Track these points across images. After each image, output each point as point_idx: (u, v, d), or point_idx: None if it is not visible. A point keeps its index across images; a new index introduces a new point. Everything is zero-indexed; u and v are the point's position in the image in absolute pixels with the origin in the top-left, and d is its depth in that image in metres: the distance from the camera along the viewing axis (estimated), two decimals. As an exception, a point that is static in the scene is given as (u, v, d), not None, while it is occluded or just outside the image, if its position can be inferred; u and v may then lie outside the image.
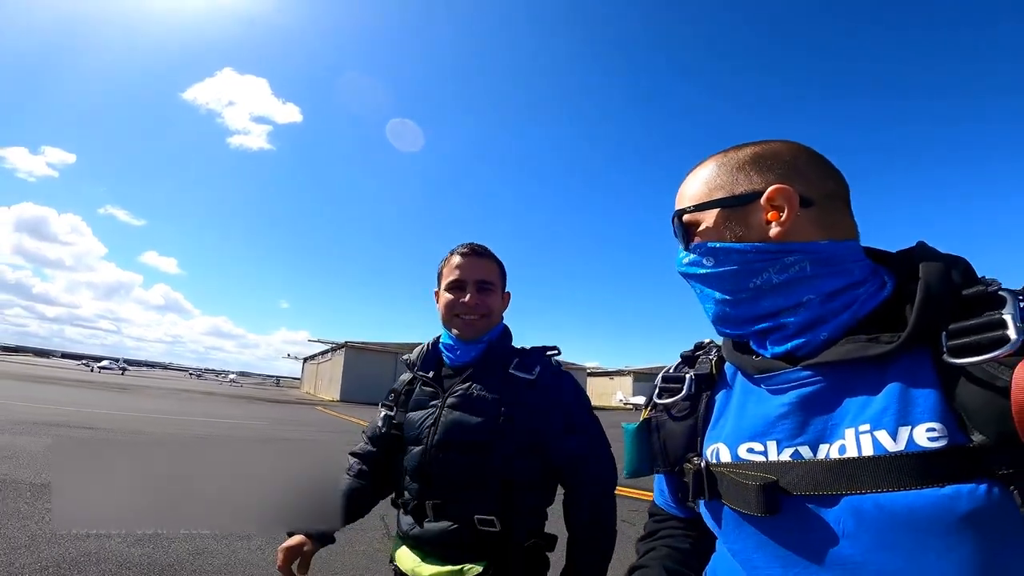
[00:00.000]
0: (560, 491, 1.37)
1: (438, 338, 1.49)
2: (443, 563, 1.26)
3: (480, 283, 1.39)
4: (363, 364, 42.88)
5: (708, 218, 0.70)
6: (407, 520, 1.34)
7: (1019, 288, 0.58)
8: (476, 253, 1.42)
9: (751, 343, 0.73)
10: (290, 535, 1.31)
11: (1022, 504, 0.49)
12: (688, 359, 0.86)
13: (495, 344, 1.41)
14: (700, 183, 0.72)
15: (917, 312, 0.58)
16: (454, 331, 1.41)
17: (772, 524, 0.62)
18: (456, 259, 1.42)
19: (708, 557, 0.78)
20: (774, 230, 0.65)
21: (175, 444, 9.63)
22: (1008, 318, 0.52)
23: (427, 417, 1.36)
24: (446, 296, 1.41)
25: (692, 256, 0.72)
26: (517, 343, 1.54)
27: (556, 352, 1.46)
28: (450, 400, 1.34)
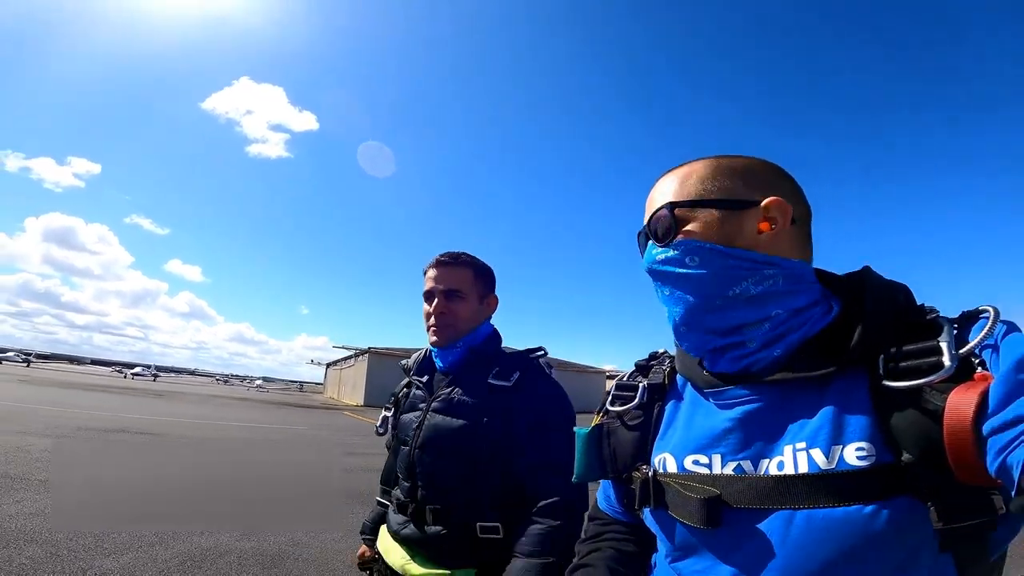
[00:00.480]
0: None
1: None
2: (434, 565, 1.28)
3: (447, 292, 1.41)
4: (386, 369, 43.53)
5: (700, 216, 0.68)
6: (398, 518, 1.37)
7: (956, 316, 0.60)
8: (443, 263, 1.44)
9: (704, 360, 0.73)
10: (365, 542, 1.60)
11: (936, 520, 0.51)
12: (642, 368, 0.86)
13: (477, 349, 1.42)
14: (693, 181, 0.70)
15: (858, 337, 0.59)
16: (429, 340, 1.45)
17: (713, 535, 0.63)
18: (428, 271, 1.46)
19: (649, 562, 0.80)
20: (765, 240, 0.66)
21: (263, 447, 10.76)
22: (943, 345, 0.54)
23: (414, 419, 1.41)
24: (424, 306, 1.45)
25: (672, 253, 0.69)
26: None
27: (541, 354, 1.45)
28: (435, 404, 1.38)
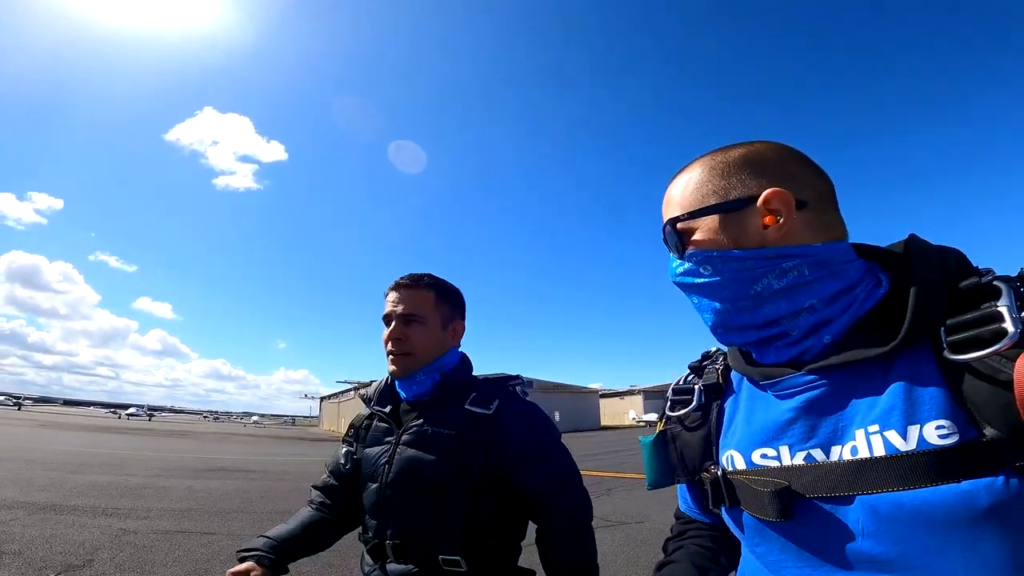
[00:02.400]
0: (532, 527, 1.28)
1: None
2: None
3: (404, 317, 1.29)
4: None
5: (702, 225, 0.67)
6: (367, 560, 1.27)
7: (1015, 276, 0.55)
8: (403, 286, 1.33)
9: (752, 352, 0.72)
10: (241, 560, 1.21)
11: None
12: (696, 369, 0.85)
13: (450, 376, 1.31)
14: (691, 189, 0.69)
15: (912, 310, 0.57)
16: (388, 368, 1.32)
17: (791, 527, 0.61)
18: (387, 295, 1.34)
19: (735, 556, 0.79)
20: (773, 235, 0.64)
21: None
22: (1004, 310, 0.51)
23: (382, 454, 1.28)
24: (384, 332, 1.32)
25: (688, 265, 0.69)
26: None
27: (518, 381, 1.38)
28: (405, 437, 1.26)
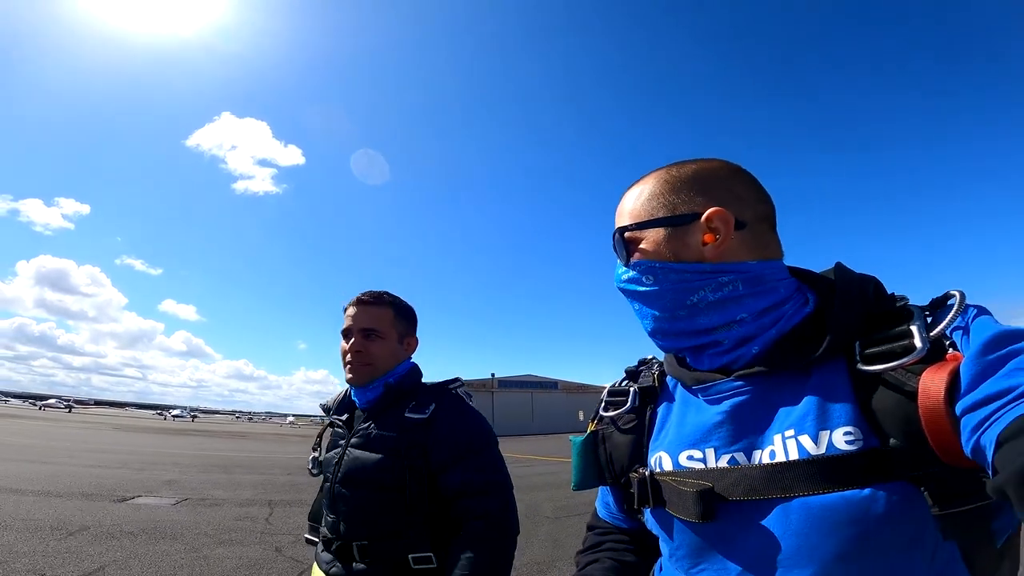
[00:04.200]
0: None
1: None
2: None
3: (364, 331, 1.38)
4: None
5: (649, 236, 0.70)
6: (325, 556, 1.33)
7: (926, 304, 0.61)
8: (363, 302, 1.43)
9: (687, 358, 0.74)
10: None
11: (932, 504, 0.50)
12: (632, 374, 0.86)
13: (393, 386, 1.39)
14: (642, 200, 0.72)
15: (833, 325, 0.61)
16: (346, 377, 1.41)
17: (712, 529, 0.63)
18: (347, 309, 1.44)
19: (649, 570, 0.80)
20: (710, 251, 0.67)
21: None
22: (914, 329, 0.55)
23: (334, 456, 1.38)
24: (341, 344, 1.42)
25: (632, 273, 0.72)
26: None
27: (458, 384, 1.44)
28: (353, 440, 1.35)
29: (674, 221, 0.69)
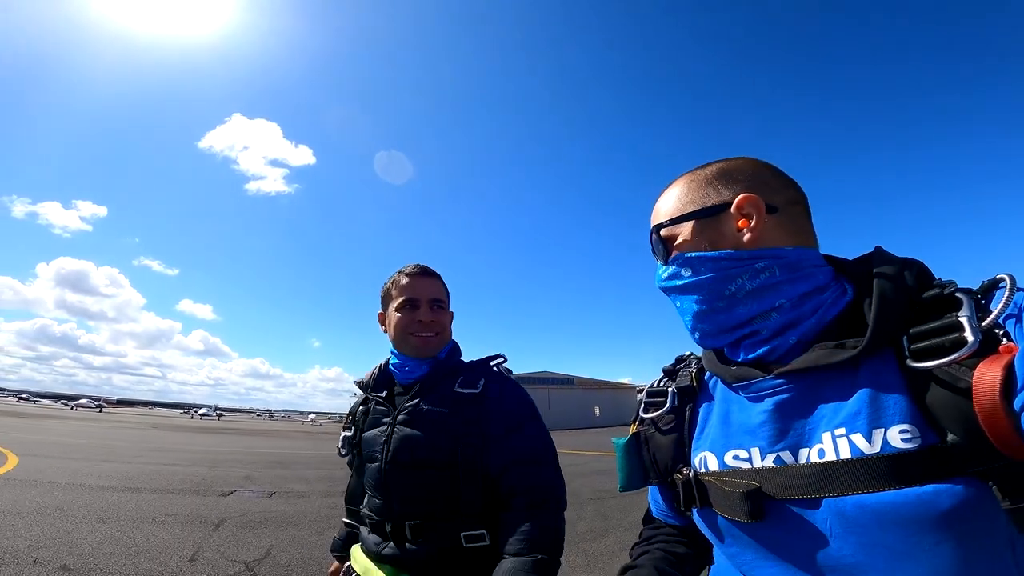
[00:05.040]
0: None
1: (388, 359, 1.46)
2: None
3: (433, 301, 1.38)
4: None
5: (683, 231, 0.71)
6: (375, 538, 1.29)
7: (976, 288, 0.57)
8: (426, 273, 1.41)
9: (725, 351, 0.73)
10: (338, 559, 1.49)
11: (1003, 499, 0.48)
12: (670, 373, 0.86)
13: (442, 361, 1.38)
14: (673, 200, 0.73)
15: (874, 318, 0.58)
16: (409, 350, 1.37)
17: (761, 529, 0.62)
18: (406, 279, 1.39)
19: (702, 563, 0.80)
20: (746, 236, 0.66)
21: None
22: (964, 320, 0.53)
23: (380, 435, 1.33)
24: (397, 316, 1.36)
25: (671, 269, 0.72)
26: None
27: (502, 360, 1.43)
28: (400, 417, 1.31)
29: (706, 212, 0.70)
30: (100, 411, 78.61)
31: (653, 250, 0.76)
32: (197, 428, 36.18)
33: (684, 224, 0.71)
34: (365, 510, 1.35)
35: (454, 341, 1.46)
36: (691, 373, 0.82)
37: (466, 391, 1.30)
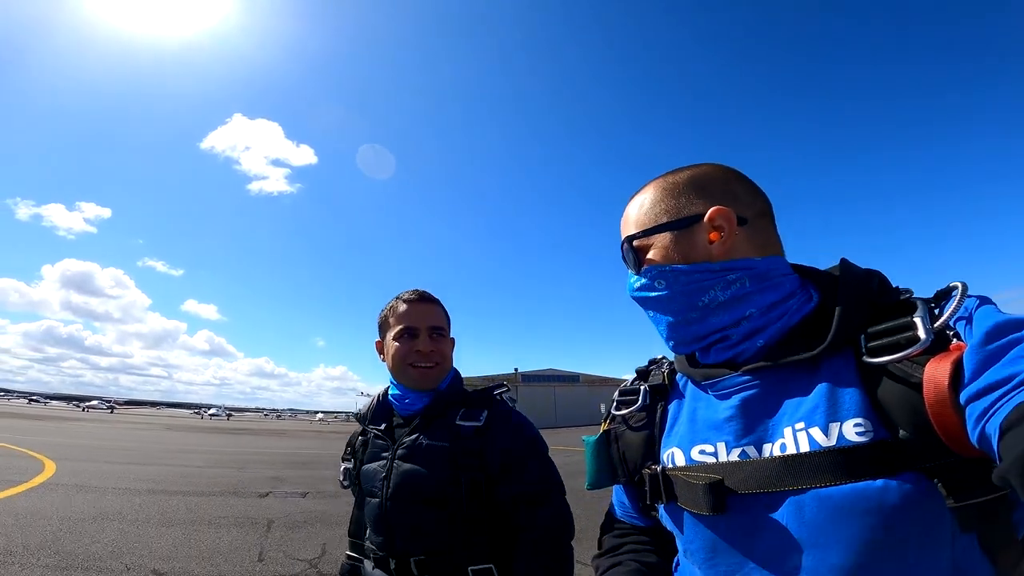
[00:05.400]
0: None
1: (387, 389, 1.41)
2: None
3: (432, 329, 1.33)
4: None
5: (656, 242, 0.71)
6: (378, 573, 1.27)
7: (929, 296, 0.61)
8: (425, 299, 1.36)
9: (696, 354, 0.76)
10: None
11: (947, 495, 0.50)
12: (643, 373, 0.87)
13: (443, 392, 1.33)
14: (646, 208, 0.73)
15: (838, 318, 0.61)
16: (408, 381, 1.33)
17: (724, 522, 0.63)
18: (404, 307, 1.35)
19: (669, 569, 0.79)
20: (717, 249, 0.68)
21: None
22: (918, 320, 0.56)
23: (380, 469, 1.29)
24: (396, 345, 1.32)
25: (643, 280, 0.73)
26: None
27: (505, 390, 1.39)
28: (400, 451, 1.27)
29: (679, 224, 0.70)
30: (111, 412, 79.03)
31: (624, 259, 0.77)
32: (209, 428, 36.71)
33: (656, 235, 0.72)
34: (368, 544, 1.32)
35: (455, 370, 1.42)
36: (663, 373, 0.85)
37: (468, 424, 1.26)
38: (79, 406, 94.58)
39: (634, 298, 0.77)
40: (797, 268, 0.73)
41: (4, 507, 5.88)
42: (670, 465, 0.72)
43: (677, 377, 0.82)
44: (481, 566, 1.18)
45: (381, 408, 1.40)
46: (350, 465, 1.42)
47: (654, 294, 0.72)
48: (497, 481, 1.21)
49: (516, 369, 62.13)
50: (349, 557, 1.47)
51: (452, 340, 1.41)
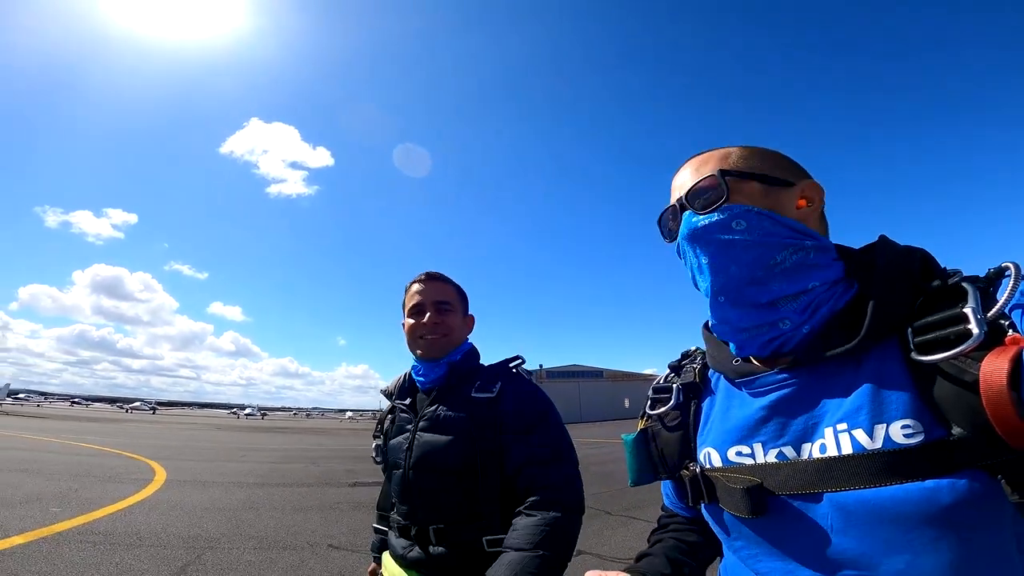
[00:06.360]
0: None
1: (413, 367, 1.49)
2: None
3: (437, 304, 1.40)
4: None
5: (744, 188, 0.67)
6: (401, 542, 1.32)
7: (982, 277, 0.56)
8: (431, 278, 1.45)
9: (731, 347, 0.72)
10: (375, 559, 1.52)
11: (1012, 492, 0.48)
12: (675, 369, 0.86)
13: (457, 365, 1.40)
14: (737, 159, 0.69)
15: (873, 309, 0.58)
16: (418, 352, 1.41)
17: (764, 524, 0.62)
18: (414, 286, 1.44)
19: (714, 551, 0.81)
20: (802, 215, 0.66)
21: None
22: (969, 312, 0.51)
23: (403, 442, 1.37)
24: (409, 322, 1.42)
25: (719, 216, 0.65)
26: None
27: (520, 361, 1.43)
28: (421, 424, 1.35)
29: (775, 181, 0.67)
30: (153, 413, 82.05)
31: (690, 197, 0.69)
32: (253, 428, 38.05)
33: (748, 181, 0.67)
34: (394, 515, 1.39)
35: (472, 344, 1.49)
36: (695, 369, 0.82)
37: (482, 395, 1.31)
38: (123, 407, 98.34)
39: (695, 235, 0.68)
40: (839, 250, 0.69)
41: (163, 502, 6.57)
42: (707, 465, 0.72)
43: (709, 373, 0.80)
44: (495, 536, 1.19)
45: (407, 385, 1.49)
46: (380, 442, 1.51)
47: (726, 236, 0.65)
48: (507, 445, 1.24)
49: (541, 366, 63.19)
50: (376, 530, 1.57)
51: (470, 317, 1.51)
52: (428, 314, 1.40)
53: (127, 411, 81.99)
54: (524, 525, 1.12)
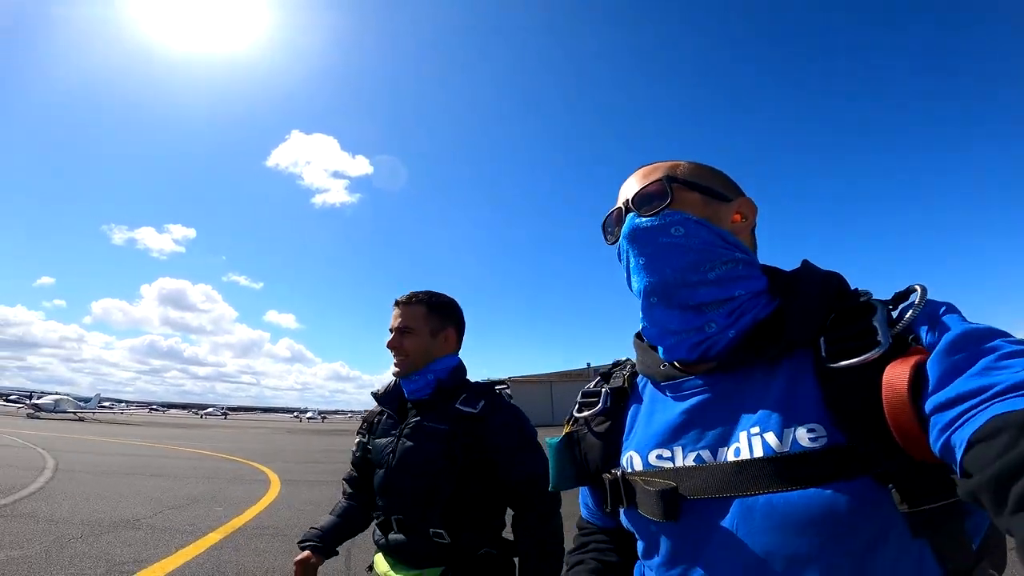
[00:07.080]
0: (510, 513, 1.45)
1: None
2: (408, 569, 1.40)
3: (399, 329, 1.52)
4: (525, 395, 47.54)
5: (688, 198, 0.69)
6: (378, 532, 1.47)
7: (888, 298, 0.60)
8: (399, 303, 1.56)
9: (660, 351, 0.73)
10: (302, 548, 1.52)
11: (900, 502, 0.49)
12: (605, 375, 0.87)
13: (444, 381, 1.51)
14: (683, 171, 0.72)
15: (793, 318, 0.61)
16: (393, 369, 1.54)
17: (678, 528, 0.63)
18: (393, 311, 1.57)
19: (631, 571, 0.80)
20: (735, 229, 0.70)
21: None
22: (877, 324, 0.55)
23: (388, 444, 1.49)
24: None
25: (659, 220, 0.68)
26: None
27: (504, 387, 2.44)
28: (405, 431, 1.47)
29: (714, 194, 0.70)
30: (225, 418, 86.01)
31: (636, 199, 0.71)
32: (316, 430, 39.76)
33: (691, 192, 0.70)
34: (377, 511, 1.51)
35: (459, 361, 1.59)
36: (624, 375, 0.83)
37: (466, 409, 1.43)
38: (197, 413, 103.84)
39: (635, 235, 0.70)
40: (764, 268, 0.73)
41: (296, 499, 6.98)
42: (629, 470, 0.71)
43: (638, 379, 0.81)
44: (437, 529, 1.37)
45: (395, 390, 1.60)
46: (364, 439, 1.62)
47: (667, 239, 0.67)
48: (505, 463, 1.40)
49: (588, 364, 62.58)
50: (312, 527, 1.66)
51: (450, 332, 1.58)
52: (392, 339, 1.52)
53: (201, 416, 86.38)
54: (532, 539, 1.37)
